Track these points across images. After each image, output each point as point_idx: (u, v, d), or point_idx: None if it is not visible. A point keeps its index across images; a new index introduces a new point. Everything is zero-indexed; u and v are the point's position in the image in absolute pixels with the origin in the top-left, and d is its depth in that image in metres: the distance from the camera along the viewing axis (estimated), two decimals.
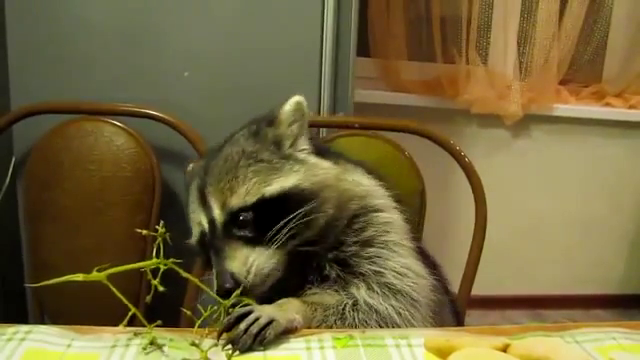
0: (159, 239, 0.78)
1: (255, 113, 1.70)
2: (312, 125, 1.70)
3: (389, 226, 0.97)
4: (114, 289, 0.74)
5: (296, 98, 0.97)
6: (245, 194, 0.89)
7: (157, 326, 0.78)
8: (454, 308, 1.14)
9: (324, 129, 1.73)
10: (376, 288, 0.90)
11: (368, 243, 0.94)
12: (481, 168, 1.58)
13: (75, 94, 1.64)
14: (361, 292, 0.90)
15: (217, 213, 0.90)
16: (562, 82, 2.94)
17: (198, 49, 1.68)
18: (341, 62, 1.73)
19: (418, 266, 0.95)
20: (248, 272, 0.85)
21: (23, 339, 0.77)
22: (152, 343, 0.75)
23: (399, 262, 0.93)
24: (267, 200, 0.89)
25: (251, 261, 0.86)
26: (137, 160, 1.59)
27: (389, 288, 0.90)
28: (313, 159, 0.95)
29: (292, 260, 0.90)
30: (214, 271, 0.87)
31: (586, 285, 3.16)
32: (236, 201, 0.89)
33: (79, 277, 0.73)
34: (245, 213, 0.88)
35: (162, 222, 0.79)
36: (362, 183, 0.99)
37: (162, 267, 0.77)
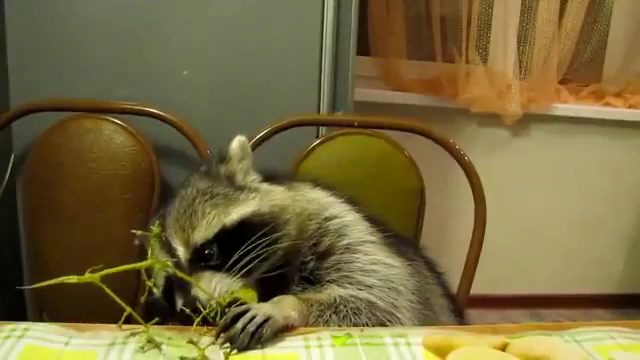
0: (153, 239, 0.78)
1: (254, 111, 1.71)
2: (312, 123, 1.71)
3: (345, 229, 0.97)
4: (108, 290, 0.74)
5: (240, 137, 1.00)
6: (206, 227, 0.90)
7: (155, 324, 0.78)
8: (446, 291, 1.14)
9: (324, 127, 1.73)
10: (348, 286, 0.91)
11: (327, 253, 0.95)
12: (480, 167, 1.58)
13: (74, 92, 1.64)
14: (335, 291, 0.90)
15: (181, 251, 0.90)
16: (562, 82, 2.94)
17: (197, 47, 1.68)
18: (341, 61, 1.73)
19: (388, 258, 0.95)
20: (211, 295, 0.84)
21: (21, 336, 0.77)
22: (149, 341, 0.75)
23: (364, 260, 0.93)
24: (228, 230, 0.90)
25: (214, 284, 0.86)
26: (136, 158, 1.59)
27: (363, 285, 0.91)
28: (265, 186, 0.98)
29: (261, 287, 0.90)
30: (179, 302, 0.86)
31: (585, 284, 3.16)
32: (199, 235, 0.89)
33: (73, 279, 0.73)
34: (209, 246, 0.89)
35: (157, 222, 0.79)
36: (315, 198, 1.01)
37: (157, 266, 0.77)
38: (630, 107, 2.95)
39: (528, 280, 3.12)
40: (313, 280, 0.92)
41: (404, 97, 2.72)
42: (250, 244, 0.87)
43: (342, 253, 0.94)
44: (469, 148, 1.66)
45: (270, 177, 1.01)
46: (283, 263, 0.92)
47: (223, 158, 1.00)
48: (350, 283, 0.91)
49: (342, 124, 1.67)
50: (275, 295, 0.89)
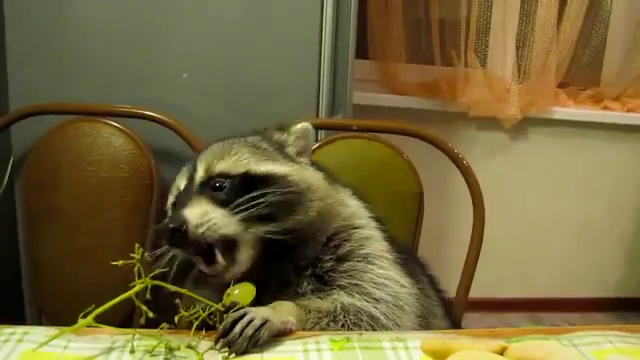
0: (137, 265, 0.77)
1: (253, 115, 1.71)
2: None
3: (367, 241, 0.97)
4: (108, 327, 0.74)
5: (306, 124, 1.02)
6: (232, 163, 0.92)
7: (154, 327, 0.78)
8: (449, 316, 1.13)
9: (322, 131, 1.73)
10: (357, 296, 0.90)
11: (345, 258, 0.94)
12: (479, 171, 1.58)
13: (74, 95, 1.64)
14: (342, 297, 0.90)
15: (199, 173, 0.92)
16: (560, 85, 2.94)
17: (197, 51, 1.69)
18: (340, 64, 1.74)
19: (400, 276, 0.95)
20: (201, 224, 0.84)
21: (20, 340, 0.77)
22: (170, 349, 0.75)
23: (377, 273, 0.93)
24: (250, 177, 0.90)
25: (210, 217, 0.85)
26: (135, 161, 1.59)
27: (369, 297, 0.90)
28: (310, 167, 0.98)
29: (266, 268, 0.89)
30: (167, 219, 0.86)
31: (583, 288, 3.16)
32: (221, 166, 0.91)
33: (67, 330, 0.72)
34: (223, 180, 0.90)
35: (137, 245, 0.78)
36: (348, 204, 1.00)
37: (148, 285, 0.77)
38: (628, 111, 2.95)
39: (527, 283, 3.12)
40: (325, 280, 0.92)
41: (403, 101, 2.72)
42: (262, 196, 0.86)
43: (359, 261, 0.94)
44: (468, 151, 1.66)
45: (319, 167, 1.02)
46: (284, 247, 0.90)
47: (282, 128, 1.01)
48: (359, 293, 0.90)
49: (341, 128, 1.67)
50: (277, 296, 0.89)
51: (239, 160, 0.92)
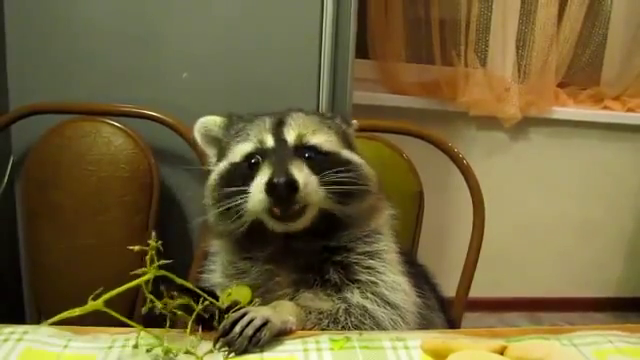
0: (151, 252, 0.77)
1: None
2: None
3: (389, 249, 1.00)
4: (115, 313, 0.74)
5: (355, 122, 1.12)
6: (324, 141, 0.97)
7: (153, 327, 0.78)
8: (447, 317, 1.16)
9: None
10: (369, 295, 0.92)
11: (370, 255, 0.97)
12: (479, 170, 1.58)
13: (74, 94, 1.64)
14: (355, 296, 0.92)
15: (293, 137, 0.95)
16: (560, 85, 2.94)
17: (197, 50, 1.68)
18: (340, 64, 1.73)
19: (408, 286, 0.98)
20: (307, 183, 0.87)
21: (20, 339, 0.77)
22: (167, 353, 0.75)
23: (392, 278, 0.96)
24: (337, 158, 0.96)
25: (312, 179, 0.89)
26: (135, 160, 1.59)
27: (381, 298, 0.93)
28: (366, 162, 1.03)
29: (299, 240, 0.92)
30: (267, 171, 0.88)
31: (583, 288, 3.16)
32: (316, 139, 0.96)
33: (75, 311, 0.72)
34: (315, 152, 0.94)
35: (153, 233, 0.78)
36: (386, 208, 1.05)
37: (155, 274, 0.76)
38: (628, 110, 2.95)
39: (527, 283, 3.12)
40: (351, 271, 0.94)
41: (403, 100, 2.73)
42: (347, 177, 0.90)
43: (380, 263, 0.97)
44: (468, 151, 1.66)
45: None
46: (328, 224, 0.94)
47: (345, 119, 1.09)
48: (372, 293, 0.93)
49: None
50: (295, 281, 0.93)
51: (329, 139, 0.98)
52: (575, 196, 3.05)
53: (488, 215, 1.55)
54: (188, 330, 0.78)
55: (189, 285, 0.81)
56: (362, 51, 2.66)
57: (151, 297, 0.76)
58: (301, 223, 0.90)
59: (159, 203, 1.61)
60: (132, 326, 0.76)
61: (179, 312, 0.79)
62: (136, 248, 0.76)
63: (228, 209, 0.91)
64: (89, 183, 1.58)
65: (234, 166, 0.97)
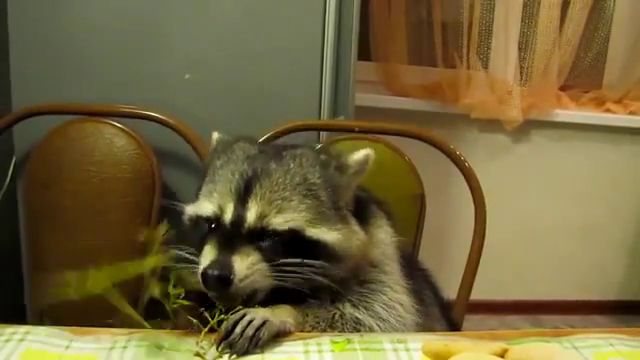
0: (156, 240, 0.77)
1: (255, 116, 1.71)
2: (312, 128, 1.71)
3: (387, 273, 0.98)
4: (122, 302, 0.74)
5: (367, 151, 0.97)
6: (289, 220, 0.88)
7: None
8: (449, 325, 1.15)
9: (324, 133, 1.73)
10: (362, 310, 0.91)
11: (365, 281, 0.95)
12: (481, 173, 1.58)
13: (76, 95, 1.64)
14: (347, 309, 0.90)
15: (252, 218, 0.88)
16: (562, 88, 2.94)
17: (199, 51, 1.69)
18: (342, 65, 1.74)
19: (409, 304, 0.96)
20: (246, 278, 0.83)
21: (22, 340, 0.77)
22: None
23: (389, 295, 0.94)
24: (301, 238, 0.88)
25: (255, 269, 0.84)
26: (137, 162, 1.59)
27: (375, 314, 0.91)
28: (353, 222, 0.95)
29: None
30: (209, 256, 0.84)
31: (585, 291, 3.15)
32: (277, 221, 0.88)
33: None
34: (274, 236, 0.87)
35: (165, 221, 0.78)
36: (381, 242, 1.00)
37: (159, 264, 0.76)
38: (630, 113, 2.94)
39: (528, 286, 3.11)
40: (339, 294, 0.91)
41: (405, 102, 2.72)
42: (304, 259, 0.86)
43: (374, 284, 0.94)
44: (469, 153, 1.66)
45: (360, 201, 0.99)
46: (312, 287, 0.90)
47: (342, 167, 0.96)
48: (366, 308, 0.91)
49: (343, 129, 1.67)
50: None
51: (295, 218, 0.88)
52: (577, 199, 3.04)
53: (489, 217, 1.54)
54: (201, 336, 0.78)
55: (191, 282, 0.81)
56: (364, 53, 2.66)
57: (153, 286, 0.76)
58: (251, 302, 0.86)
59: (161, 204, 1.61)
60: (133, 317, 0.76)
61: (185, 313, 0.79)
62: (143, 237, 0.76)
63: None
64: (91, 184, 1.58)
65: (197, 219, 0.94)
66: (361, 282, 0.94)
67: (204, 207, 0.93)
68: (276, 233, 0.87)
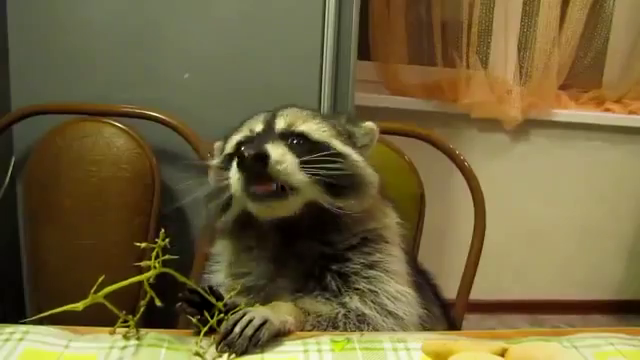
0: (158, 248, 0.77)
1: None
2: None
3: (393, 258, 0.99)
4: (114, 308, 0.74)
5: (375, 126, 1.05)
6: (315, 130, 0.95)
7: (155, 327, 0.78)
8: (449, 323, 1.15)
9: None
10: (369, 304, 0.91)
11: (371, 266, 0.95)
12: (480, 172, 1.58)
13: (75, 95, 1.64)
14: (354, 302, 0.91)
15: (280, 124, 0.95)
16: (562, 87, 2.94)
17: (199, 51, 1.69)
18: (342, 65, 1.73)
19: (413, 297, 0.96)
20: (280, 161, 0.85)
21: (21, 339, 0.77)
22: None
23: (395, 287, 0.94)
24: (327, 148, 0.93)
25: (288, 159, 0.87)
26: (137, 161, 1.59)
27: (382, 308, 0.92)
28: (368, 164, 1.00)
29: (295, 247, 0.92)
30: (245, 151, 0.85)
31: (584, 290, 3.16)
32: (304, 127, 0.95)
33: (78, 306, 0.72)
34: (303, 141, 0.92)
35: (162, 230, 0.78)
36: (389, 214, 1.03)
37: (158, 270, 0.76)
38: (630, 113, 2.95)
39: (527, 285, 3.12)
40: (349, 281, 0.92)
41: (404, 102, 2.73)
42: (333, 167, 0.88)
43: (382, 273, 0.95)
44: (469, 153, 1.66)
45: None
46: (321, 225, 0.92)
47: (351, 120, 1.05)
48: (373, 301, 0.91)
49: None
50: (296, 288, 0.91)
51: (321, 129, 0.96)
52: (576, 198, 3.04)
53: (489, 217, 1.54)
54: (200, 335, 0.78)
55: (190, 282, 0.81)
56: (364, 53, 2.66)
57: (153, 294, 0.76)
58: (284, 208, 0.88)
59: (160, 204, 1.61)
60: (127, 321, 0.76)
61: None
62: (143, 245, 0.76)
63: (220, 199, 0.91)
64: (90, 184, 1.58)
65: (227, 157, 0.98)
66: (368, 265, 0.95)
67: (234, 139, 0.98)
68: (304, 137, 0.93)
